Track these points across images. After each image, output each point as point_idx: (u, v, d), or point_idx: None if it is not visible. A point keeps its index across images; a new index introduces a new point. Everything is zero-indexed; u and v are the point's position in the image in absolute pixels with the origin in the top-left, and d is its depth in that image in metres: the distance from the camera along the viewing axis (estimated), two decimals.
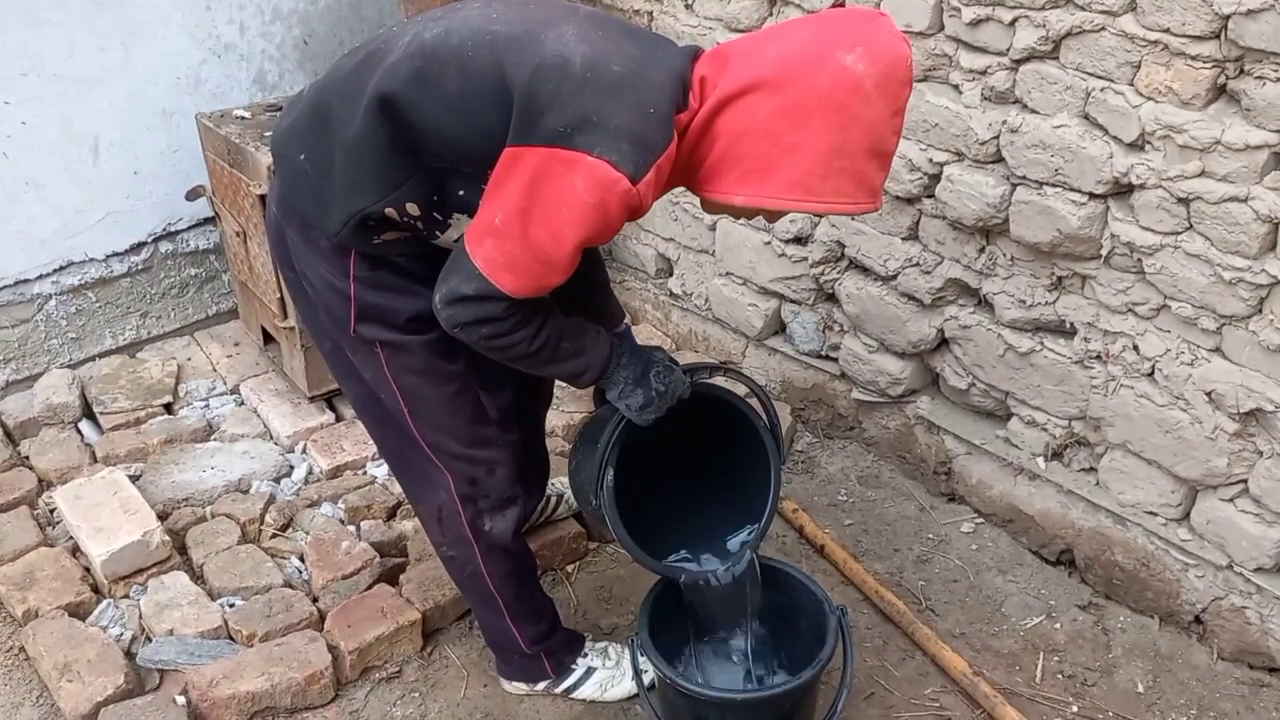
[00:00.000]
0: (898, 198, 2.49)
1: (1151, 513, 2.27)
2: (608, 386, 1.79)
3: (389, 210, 1.63)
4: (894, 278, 2.57)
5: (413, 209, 1.63)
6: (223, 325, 3.17)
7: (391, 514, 2.54)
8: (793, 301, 2.87)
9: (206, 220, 3.06)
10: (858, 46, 1.45)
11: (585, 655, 2.13)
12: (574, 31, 1.53)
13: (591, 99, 1.46)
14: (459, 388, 1.82)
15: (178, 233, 3.05)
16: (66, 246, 2.87)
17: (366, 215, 1.62)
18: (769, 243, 2.83)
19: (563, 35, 1.52)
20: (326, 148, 1.64)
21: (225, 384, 2.95)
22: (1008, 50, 2.17)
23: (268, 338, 2.95)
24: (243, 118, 2.76)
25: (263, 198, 2.56)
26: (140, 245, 2.99)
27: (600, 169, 1.45)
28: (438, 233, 1.68)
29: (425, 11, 1.71)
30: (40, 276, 2.85)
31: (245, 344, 3.07)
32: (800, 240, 2.77)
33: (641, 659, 1.96)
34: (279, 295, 2.69)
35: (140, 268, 3.01)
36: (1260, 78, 1.85)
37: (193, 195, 2.88)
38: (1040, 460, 2.45)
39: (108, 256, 2.94)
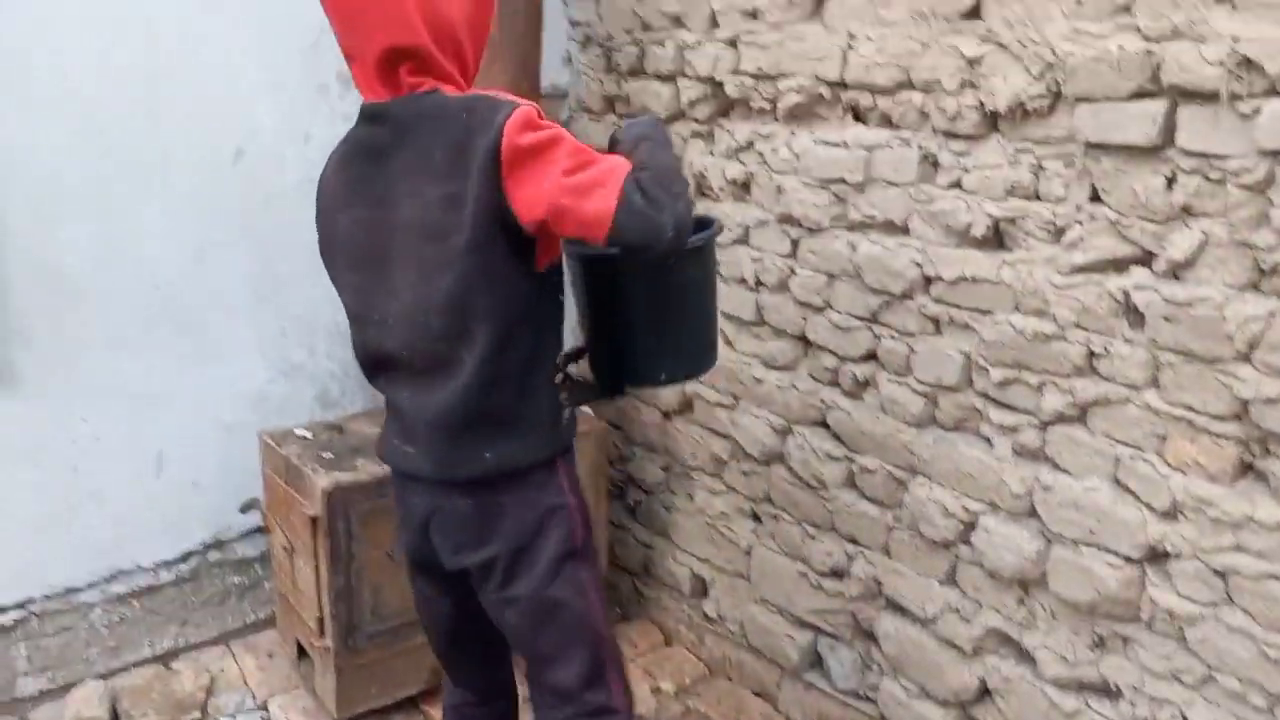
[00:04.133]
0: (934, 541, 2.52)
1: None
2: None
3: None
4: (933, 621, 2.55)
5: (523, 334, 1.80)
6: (258, 634, 3.17)
7: None
8: (830, 635, 2.84)
9: (256, 530, 3.13)
10: None
11: None
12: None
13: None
14: None
15: (227, 542, 3.12)
16: (118, 555, 2.93)
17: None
18: (805, 574, 2.84)
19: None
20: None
21: (255, 699, 2.92)
22: (1036, 410, 2.25)
23: (301, 651, 2.94)
24: (304, 438, 2.89)
25: (314, 519, 2.64)
26: (190, 554, 3.05)
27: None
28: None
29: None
30: (89, 585, 2.89)
31: (279, 656, 3.06)
32: (837, 574, 2.78)
33: None
34: (319, 614, 2.71)
35: (187, 576, 3.06)
36: None
37: (246, 508, 2.97)
38: None
39: (156, 565, 3.00)
